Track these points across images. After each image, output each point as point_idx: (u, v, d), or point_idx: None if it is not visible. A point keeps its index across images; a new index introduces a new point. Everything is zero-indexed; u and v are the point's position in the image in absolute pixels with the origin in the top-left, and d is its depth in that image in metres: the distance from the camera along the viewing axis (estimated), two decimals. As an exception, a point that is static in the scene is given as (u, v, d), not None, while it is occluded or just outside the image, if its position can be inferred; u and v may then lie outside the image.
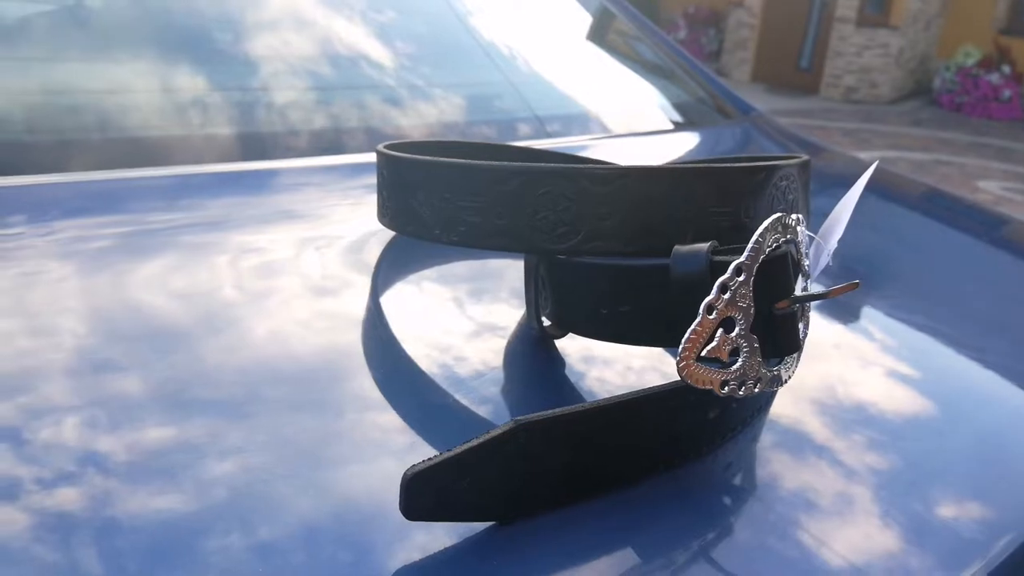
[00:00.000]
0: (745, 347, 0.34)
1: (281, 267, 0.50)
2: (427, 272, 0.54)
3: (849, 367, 0.50)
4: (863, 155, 5.98)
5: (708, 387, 0.33)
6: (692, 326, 0.32)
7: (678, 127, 1.05)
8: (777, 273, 0.35)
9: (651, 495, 0.36)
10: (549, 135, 0.86)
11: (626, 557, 0.33)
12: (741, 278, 0.33)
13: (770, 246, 0.35)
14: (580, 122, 0.93)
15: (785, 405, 0.44)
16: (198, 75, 0.71)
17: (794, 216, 0.37)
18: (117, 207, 0.55)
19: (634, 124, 0.99)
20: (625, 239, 0.39)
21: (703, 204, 0.39)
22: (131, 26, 0.73)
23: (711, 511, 0.36)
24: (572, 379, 0.44)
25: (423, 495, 0.29)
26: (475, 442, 0.30)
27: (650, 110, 1.08)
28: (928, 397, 0.49)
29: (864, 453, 0.42)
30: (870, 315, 0.60)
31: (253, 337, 0.43)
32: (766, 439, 0.42)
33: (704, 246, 0.35)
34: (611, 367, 0.45)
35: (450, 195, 0.41)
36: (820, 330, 0.53)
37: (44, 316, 0.42)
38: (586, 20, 1.22)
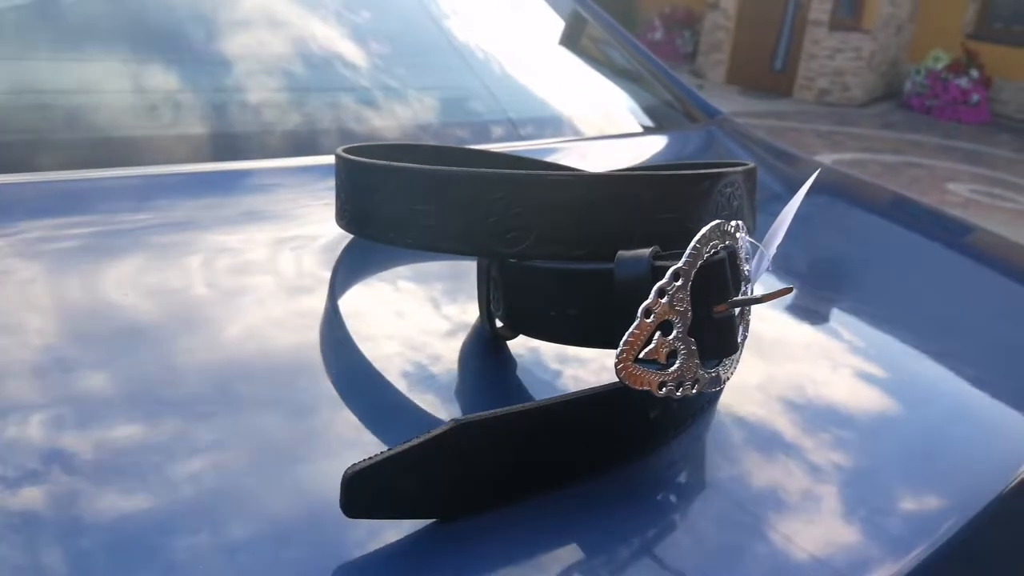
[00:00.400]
0: (683, 349, 0.35)
1: (241, 268, 0.51)
2: (385, 274, 0.54)
3: (795, 367, 0.52)
4: (835, 157, 6.05)
5: (646, 388, 0.34)
6: (630, 329, 0.34)
7: (646, 131, 1.07)
8: (715, 278, 0.36)
9: (595, 493, 0.37)
10: (521, 137, 0.88)
11: (569, 554, 0.34)
12: (679, 283, 0.34)
13: (708, 252, 0.36)
14: (551, 125, 0.94)
15: (729, 405, 0.45)
16: (168, 74, 0.71)
17: (733, 223, 0.38)
18: (85, 207, 0.55)
19: (603, 127, 1.01)
20: (573, 243, 0.40)
21: (649, 210, 0.40)
22: (100, 24, 0.73)
23: (655, 509, 0.37)
24: (522, 379, 0.45)
25: (363, 493, 0.30)
26: (415, 441, 0.31)
27: (619, 113, 1.10)
28: (872, 394, 0.50)
29: (805, 449, 0.43)
30: (819, 316, 0.62)
31: (206, 337, 0.44)
32: (710, 438, 0.43)
33: (646, 252, 0.36)
34: (561, 368, 0.46)
35: (405, 199, 0.42)
36: (768, 331, 0.54)
37: (9, 316, 0.42)
38: (558, 24, 1.23)
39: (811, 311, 0.62)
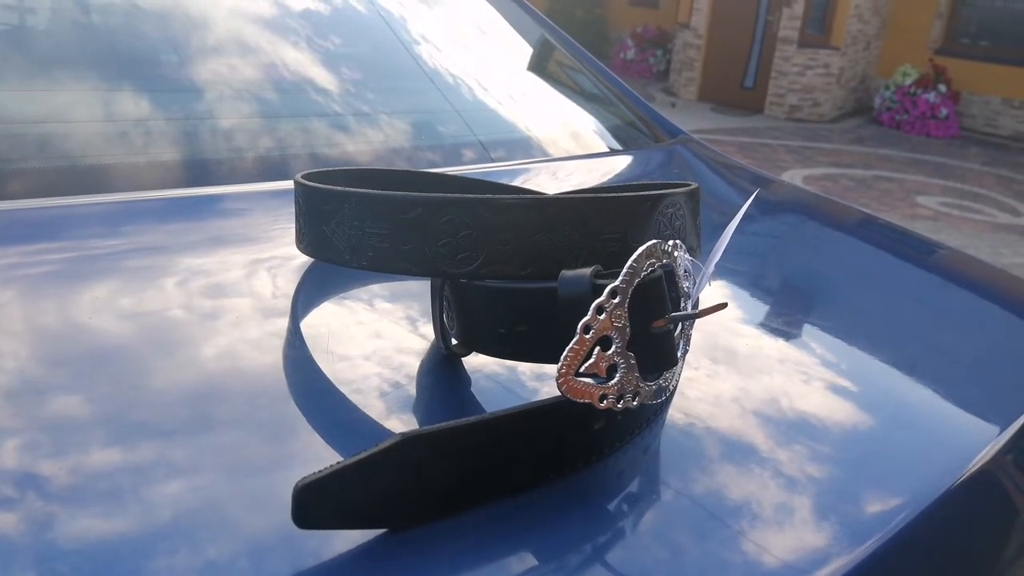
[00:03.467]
0: (622, 364, 0.37)
1: (205, 291, 0.52)
2: (343, 296, 0.56)
3: (745, 378, 0.53)
4: (807, 172, 6.12)
5: (587, 400, 0.36)
6: (570, 344, 0.35)
7: (612, 151, 1.09)
8: (652, 295, 0.38)
9: (543, 503, 0.38)
10: (491, 159, 0.90)
11: (517, 562, 0.35)
12: (616, 300, 0.36)
13: (646, 270, 0.38)
14: (519, 147, 0.97)
15: (678, 416, 0.47)
16: (140, 102, 0.72)
17: (671, 242, 0.40)
18: (57, 234, 0.57)
19: (571, 148, 1.03)
20: (520, 263, 0.42)
21: (593, 230, 0.42)
22: (74, 53, 0.74)
23: (603, 517, 0.39)
24: (475, 395, 0.47)
25: (314, 505, 0.32)
26: (363, 454, 0.32)
27: (586, 135, 1.12)
28: (823, 402, 0.52)
29: (753, 455, 0.45)
30: (771, 328, 0.64)
31: (168, 356, 0.45)
32: (657, 448, 0.45)
33: (588, 271, 0.38)
34: (513, 384, 0.47)
35: (359, 223, 0.44)
36: (719, 344, 0.56)
37: None
38: (526, 50, 1.26)
39: (763, 324, 0.64)
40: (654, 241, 0.38)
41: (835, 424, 0.50)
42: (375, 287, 0.57)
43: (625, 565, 0.36)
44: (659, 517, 0.40)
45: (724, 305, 0.39)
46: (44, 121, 0.68)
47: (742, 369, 0.55)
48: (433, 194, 0.43)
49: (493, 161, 0.90)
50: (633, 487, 0.42)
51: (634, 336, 0.37)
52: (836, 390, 0.55)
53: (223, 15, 0.87)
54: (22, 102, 0.69)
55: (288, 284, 0.55)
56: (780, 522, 0.40)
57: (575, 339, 0.35)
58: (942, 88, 7.82)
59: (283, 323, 0.50)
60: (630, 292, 0.37)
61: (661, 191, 0.45)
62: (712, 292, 0.66)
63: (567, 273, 0.38)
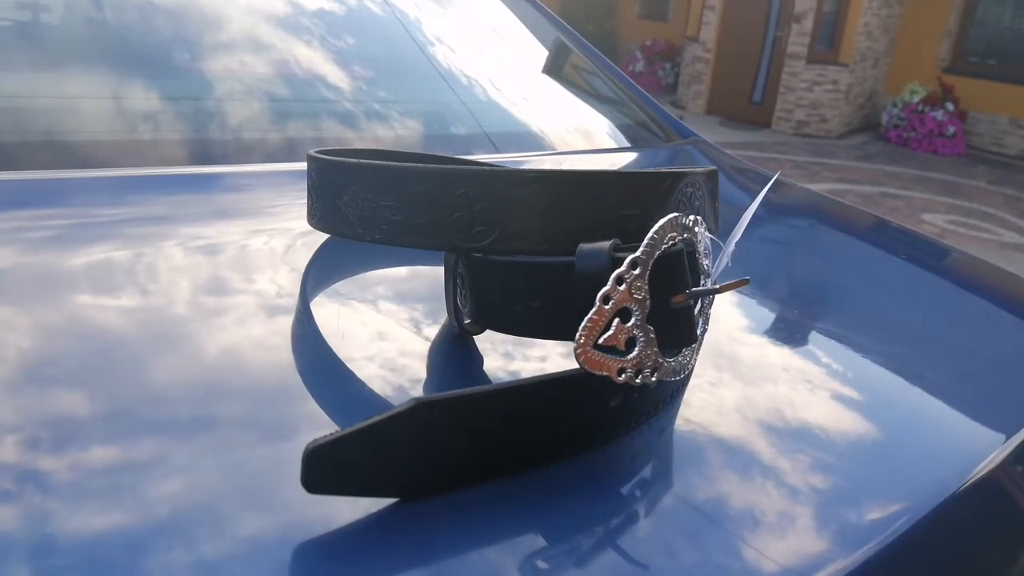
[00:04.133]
0: (641, 337, 0.36)
1: (219, 265, 0.52)
2: (356, 273, 0.55)
3: (762, 372, 0.52)
4: (813, 187, 6.09)
5: (605, 373, 0.35)
6: (589, 315, 0.34)
7: (622, 148, 1.08)
8: (673, 268, 0.37)
9: (556, 480, 0.37)
10: (499, 150, 0.90)
11: (528, 538, 0.34)
12: (636, 271, 0.35)
13: (667, 243, 0.37)
14: (529, 140, 0.96)
15: (695, 400, 0.46)
16: (155, 85, 0.73)
17: (692, 217, 0.39)
18: (65, 203, 0.57)
19: (580, 144, 1.02)
20: (537, 239, 0.41)
21: (612, 207, 0.41)
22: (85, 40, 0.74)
23: (616, 498, 0.38)
24: (488, 373, 0.46)
25: (323, 469, 0.31)
26: (375, 419, 0.31)
27: (595, 132, 1.12)
28: (837, 401, 0.51)
29: (767, 447, 0.44)
30: (790, 327, 0.63)
31: (179, 332, 0.44)
32: (674, 431, 0.44)
33: (606, 244, 0.37)
34: (527, 361, 0.46)
35: (372, 196, 0.43)
36: (739, 336, 0.56)
37: None
38: (538, 48, 1.25)
39: (782, 322, 0.63)
40: (675, 214, 0.38)
41: (853, 423, 0.49)
42: (389, 263, 0.56)
43: (634, 550, 0.35)
44: (671, 504, 0.39)
45: (746, 281, 0.38)
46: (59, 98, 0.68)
47: (761, 364, 0.54)
48: (448, 166, 0.42)
49: (502, 153, 0.90)
50: (647, 471, 0.41)
51: (654, 310, 0.36)
52: (858, 392, 0.53)
53: (243, 14, 0.87)
54: (40, 83, 0.69)
55: (300, 260, 0.54)
56: (795, 517, 0.39)
57: (594, 309, 0.34)
58: (950, 106, 7.81)
59: (294, 300, 0.49)
60: (650, 264, 0.36)
61: (682, 169, 0.44)
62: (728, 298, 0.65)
63: (585, 246, 0.37)
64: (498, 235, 0.41)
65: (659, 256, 0.36)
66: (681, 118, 1.24)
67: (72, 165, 0.61)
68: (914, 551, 0.41)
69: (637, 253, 0.35)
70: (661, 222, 0.36)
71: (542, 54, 1.26)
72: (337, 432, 0.31)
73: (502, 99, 1.04)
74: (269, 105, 0.78)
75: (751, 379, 0.51)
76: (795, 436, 0.45)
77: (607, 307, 0.35)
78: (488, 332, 0.46)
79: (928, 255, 0.96)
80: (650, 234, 0.36)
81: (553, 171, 0.42)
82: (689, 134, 1.20)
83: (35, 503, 0.31)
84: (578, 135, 1.06)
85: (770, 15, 8.27)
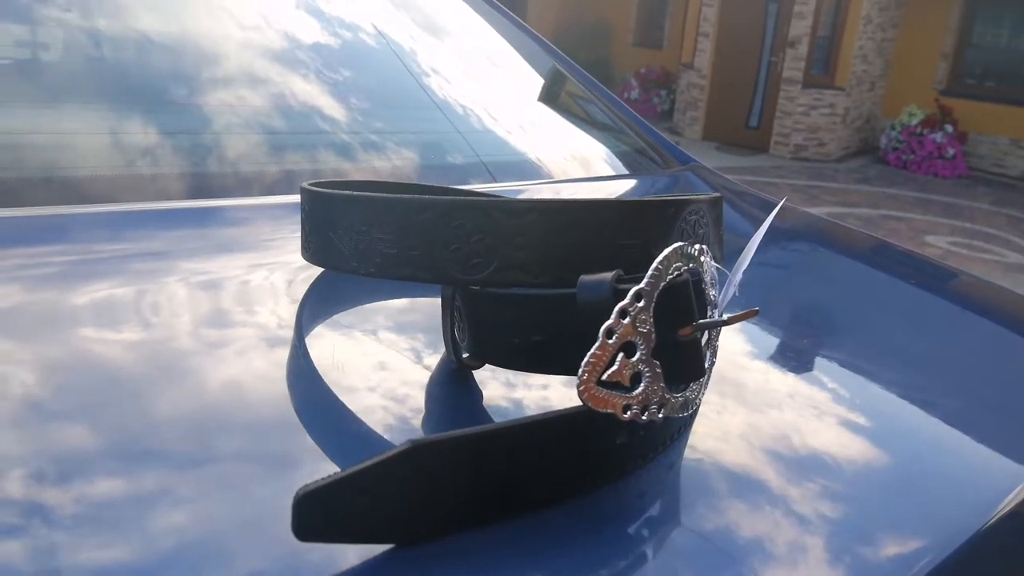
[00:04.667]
0: (647, 372, 0.34)
1: (213, 299, 0.51)
2: (352, 306, 0.54)
3: (773, 405, 0.51)
4: (813, 211, 6.09)
5: (609, 411, 0.33)
6: (591, 350, 0.33)
7: (620, 176, 1.07)
8: (679, 300, 0.35)
9: (562, 521, 0.36)
10: (495, 180, 0.89)
11: None
12: (641, 304, 0.34)
13: (671, 274, 0.35)
14: (525, 169, 0.96)
15: (704, 435, 0.44)
16: (152, 120, 0.73)
17: (697, 247, 0.38)
18: (65, 239, 0.56)
19: (577, 172, 1.01)
20: (536, 271, 0.39)
21: (612, 236, 0.40)
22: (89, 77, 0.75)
23: (623, 539, 0.36)
24: (488, 409, 0.44)
25: (315, 515, 0.29)
26: (369, 462, 0.29)
27: (594, 160, 1.11)
28: (853, 433, 0.49)
29: (781, 483, 0.42)
30: (799, 357, 0.61)
31: (178, 366, 0.43)
32: (682, 467, 0.42)
33: (608, 275, 0.35)
34: (528, 397, 0.45)
35: (366, 228, 0.42)
36: (747, 368, 0.54)
37: None
38: (533, 76, 1.25)
39: (791, 352, 0.62)
40: (680, 243, 0.36)
41: (871, 456, 0.47)
42: (387, 296, 0.54)
43: None
44: (681, 542, 0.37)
45: (756, 312, 0.37)
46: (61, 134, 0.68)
47: (771, 396, 0.52)
48: (444, 197, 0.40)
49: (499, 183, 0.89)
50: (655, 509, 0.39)
51: (659, 343, 0.35)
52: (872, 422, 0.51)
53: (238, 48, 0.87)
54: (41, 119, 0.69)
55: (298, 294, 0.53)
56: (809, 556, 0.37)
57: (597, 344, 0.33)
58: (948, 128, 7.84)
59: (288, 335, 0.48)
60: (655, 296, 0.34)
61: (685, 196, 0.43)
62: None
63: (586, 278, 0.36)
64: (496, 267, 0.39)
65: (664, 287, 0.35)
66: (677, 143, 1.23)
67: (71, 201, 0.61)
68: None
69: (641, 284, 0.34)
70: (666, 252, 0.35)
71: (538, 82, 1.25)
72: (329, 476, 0.29)
73: (498, 128, 1.04)
74: (266, 138, 0.78)
75: (761, 409, 0.49)
76: (809, 469, 0.44)
77: (611, 341, 0.33)
78: (488, 366, 0.45)
79: (935, 277, 0.95)
80: (654, 264, 0.34)
81: (552, 200, 0.40)
82: (688, 160, 1.19)
83: (38, 535, 0.30)
84: (576, 163, 1.05)
85: (764, 40, 8.32)
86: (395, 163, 0.84)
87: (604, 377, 0.33)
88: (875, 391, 0.57)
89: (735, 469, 0.42)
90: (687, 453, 0.43)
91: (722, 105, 8.55)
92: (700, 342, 0.37)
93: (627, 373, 0.34)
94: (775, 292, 0.75)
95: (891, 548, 0.39)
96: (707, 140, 8.64)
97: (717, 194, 0.47)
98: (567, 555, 0.34)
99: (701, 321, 0.36)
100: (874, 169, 7.91)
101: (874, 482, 0.44)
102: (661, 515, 0.39)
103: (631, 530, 0.37)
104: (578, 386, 0.33)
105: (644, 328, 0.34)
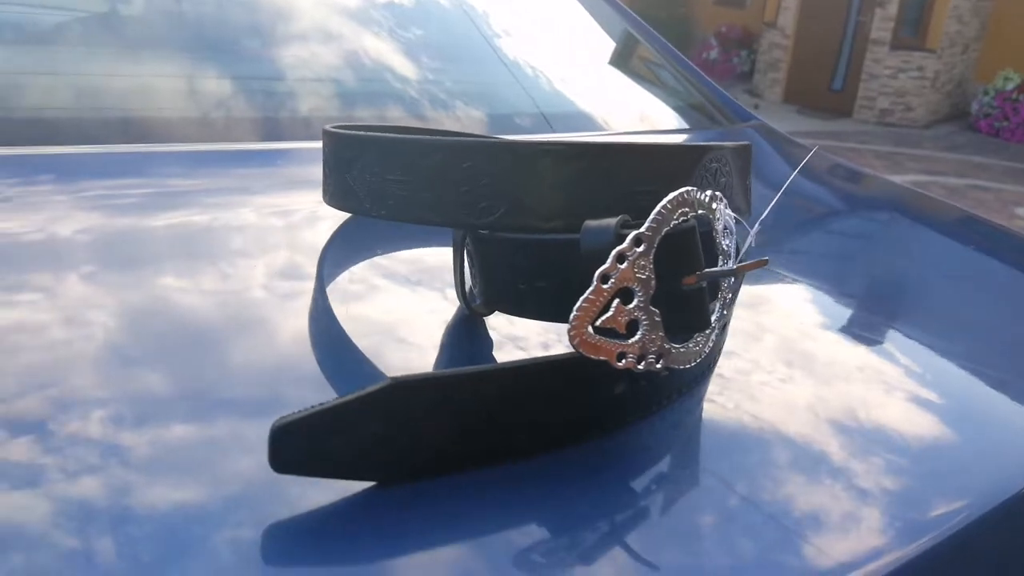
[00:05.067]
0: (645, 320, 0.33)
1: (236, 241, 0.52)
2: (373, 253, 0.54)
3: (827, 378, 0.49)
4: (896, 178, 5.88)
5: (602, 358, 0.32)
6: (585, 294, 0.32)
7: (678, 130, 1.05)
8: (684, 247, 0.34)
9: (552, 469, 0.35)
10: (552, 130, 0.89)
11: (513, 531, 0.32)
12: (640, 249, 0.33)
13: (677, 219, 0.34)
14: (581, 121, 0.95)
15: (719, 392, 0.43)
16: (231, 69, 0.78)
17: (708, 193, 0.36)
18: (144, 173, 0.60)
19: (633, 125, 1.00)
20: (545, 216, 0.38)
21: (626, 183, 0.38)
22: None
23: (616, 490, 0.35)
24: (496, 356, 0.44)
25: (292, 448, 0.29)
26: (348, 397, 0.29)
27: (651, 113, 1.09)
28: (881, 396, 0.47)
29: (792, 445, 0.41)
30: (861, 326, 0.59)
31: (199, 301, 0.45)
32: (689, 424, 0.41)
33: (613, 220, 0.34)
34: (538, 342, 0.44)
35: (379, 169, 0.42)
36: (806, 332, 0.52)
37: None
38: (591, 27, 1.22)
39: (844, 318, 0.59)
40: (688, 188, 0.35)
41: (897, 432, 0.45)
42: (404, 243, 0.54)
43: (627, 546, 0.32)
44: (680, 501, 0.36)
45: (765, 262, 0.35)
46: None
47: (809, 368, 0.50)
48: (455, 138, 0.40)
49: (552, 131, 0.89)
50: (655, 464, 0.38)
51: (660, 292, 0.34)
52: (909, 400, 0.49)
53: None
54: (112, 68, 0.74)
55: (316, 237, 0.53)
56: (817, 517, 0.36)
57: (591, 288, 0.32)
58: (1047, 95, 7.46)
59: (303, 280, 0.48)
60: (656, 241, 0.33)
61: (705, 143, 0.41)
62: (789, 288, 0.62)
63: (591, 223, 0.35)
64: (504, 211, 0.38)
65: (667, 233, 0.34)
66: (756, 107, 1.20)
67: (150, 140, 0.65)
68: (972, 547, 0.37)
69: (642, 229, 0.33)
70: (670, 196, 0.34)
71: (601, 37, 1.23)
72: (306, 409, 0.29)
73: (557, 80, 1.03)
74: (337, 88, 0.81)
75: (790, 376, 0.47)
76: (828, 435, 0.42)
77: (605, 287, 0.32)
78: (500, 313, 0.44)
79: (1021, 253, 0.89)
80: (657, 209, 0.33)
81: (563, 143, 0.39)
82: (749, 117, 1.16)
83: (116, 475, 0.31)
84: (635, 117, 1.04)
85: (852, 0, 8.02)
86: (459, 114, 0.85)
87: (598, 323, 0.32)
88: (929, 363, 0.55)
89: (749, 428, 0.41)
90: (698, 411, 0.42)
91: (805, 67, 8.28)
92: (705, 292, 0.35)
93: (623, 320, 0.33)
94: (839, 260, 0.73)
95: (925, 507, 0.38)
96: (788, 103, 8.40)
97: (745, 143, 0.45)
98: (553, 503, 0.33)
99: (707, 270, 0.35)
100: (963, 136, 7.58)
101: (915, 454, 0.42)
102: (660, 471, 0.38)
103: (627, 481, 0.36)
104: (569, 331, 0.32)
105: (643, 275, 0.33)
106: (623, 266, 0.32)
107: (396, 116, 0.80)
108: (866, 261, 0.76)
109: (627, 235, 0.33)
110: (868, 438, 0.42)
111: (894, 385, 0.49)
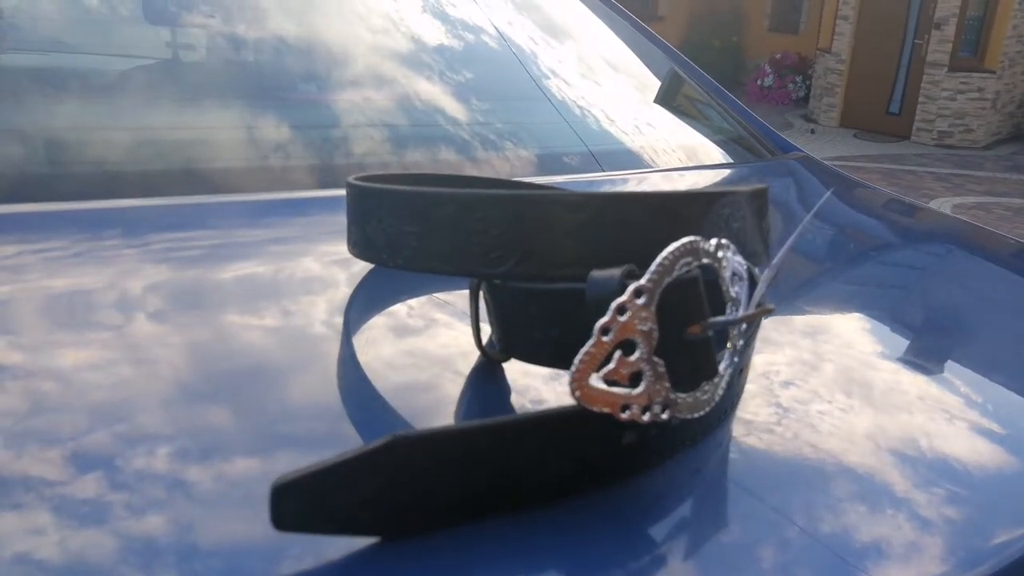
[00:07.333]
0: (648, 371, 0.33)
1: (263, 287, 0.54)
2: (396, 300, 0.54)
3: (859, 402, 0.48)
4: (957, 200, 5.77)
5: (605, 410, 0.33)
6: (585, 347, 0.32)
7: (723, 165, 1.05)
8: (687, 297, 0.34)
9: (559, 519, 0.35)
10: (599, 169, 0.91)
11: None
12: (641, 300, 0.33)
13: (680, 269, 0.34)
14: (625, 158, 0.96)
15: (742, 438, 0.42)
16: (281, 117, 0.80)
17: (714, 241, 0.36)
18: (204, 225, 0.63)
19: (676, 160, 1.01)
20: (556, 264, 0.39)
21: (636, 231, 0.39)
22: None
23: (626, 539, 0.35)
24: (514, 404, 0.44)
25: (294, 505, 0.29)
26: (349, 454, 0.30)
27: (697, 149, 1.09)
28: (918, 443, 0.46)
29: (816, 496, 0.40)
30: (913, 362, 0.58)
31: (221, 343, 0.46)
32: (706, 469, 0.40)
33: (618, 271, 0.35)
34: (554, 390, 0.44)
35: (396, 221, 0.43)
36: (810, 370, 0.52)
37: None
38: (633, 63, 1.23)
39: (898, 356, 0.58)
40: (691, 238, 0.35)
41: (937, 467, 0.43)
42: (429, 288, 0.55)
43: None
44: (696, 549, 0.36)
45: (772, 309, 0.35)
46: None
47: (868, 399, 0.49)
48: (467, 190, 0.40)
49: (602, 170, 0.90)
50: (671, 511, 0.38)
51: (666, 341, 0.34)
52: (957, 433, 0.48)
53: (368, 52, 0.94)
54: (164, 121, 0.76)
55: (342, 286, 0.54)
56: (832, 559, 0.35)
57: (591, 341, 0.32)
58: (1112, 112, 7.25)
59: (325, 325, 0.49)
60: (658, 293, 0.33)
61: (718, 189, 0.41)
62: (846, 321, 0.61)
63: (596, 273, 0.35)
64: (516, 261, 0.39)
65: (670, 284, 0.34)
66: (812, 132, 1.19)
67: (207, 191, 0.67)
68: None
69: (642, 281, 0.33)
70: (671, 247, 0.34)
71: (645, 74, 1.24)
72: (308, 467, 0.30)
73: (605, 119, 1.04)
74: (389, 133, 0.83)
75: (837, 419, 0.46)
76: (845, 479, 0.41)
77: (606, 339, 0.32)
78: (516, 361, 0.45)
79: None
80: (658, 260, 0.33)
81: (571, 194, 0.40)
82: (789, 148, 1.15)
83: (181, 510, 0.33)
84: (680, 152, 1.04)
85: (908, 22, 7.91)
86: (508, 155, 0.86)
87: (601, 375, 0.32)
88: (994, 401, 0.53)
89: (767, 476, 0.40)
90: (720, 453, 0.41)
91: (861, 91, 8.18)
92: (711, 341, 0.35)
93: (625, 372, 0.33)
94: (905, 296, 0.72)
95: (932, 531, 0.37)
96: (845, 127, 8.29)
97: (761, 187, 0.45)
98: (558, 555, 0.33)
99: (711, 320, 0.35)
100: (1027, 157, 7.39)
101: (914, 479, 0.41)
102: (674, 517, 0.37)
103: (636, 530, 0.36)
104: (570, 383, 0.32)
105: (645, 326, 0.33)
106: (623, 318, 0.32)
107: (448, 159, 0.81)
108: (918, 293, 0.75)
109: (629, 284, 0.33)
110: (911, 476, 0.41)
111: (955, 415, 0.49)
